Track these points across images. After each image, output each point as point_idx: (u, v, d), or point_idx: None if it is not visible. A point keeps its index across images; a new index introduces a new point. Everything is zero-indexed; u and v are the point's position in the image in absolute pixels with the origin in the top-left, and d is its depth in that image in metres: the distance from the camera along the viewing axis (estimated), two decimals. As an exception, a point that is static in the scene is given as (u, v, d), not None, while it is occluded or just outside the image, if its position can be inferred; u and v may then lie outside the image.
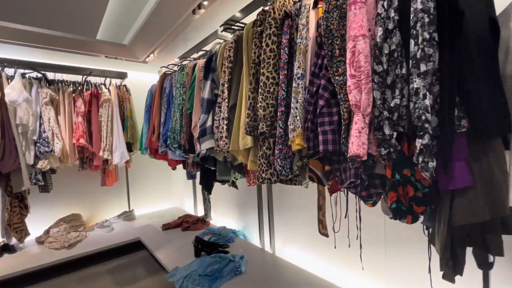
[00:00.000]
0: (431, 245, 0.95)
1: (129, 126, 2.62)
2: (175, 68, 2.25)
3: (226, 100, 1.34)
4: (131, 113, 2.68)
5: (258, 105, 1.08)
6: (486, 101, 0.72)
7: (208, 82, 1.46)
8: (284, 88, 1.02)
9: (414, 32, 0.70)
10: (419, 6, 0.69)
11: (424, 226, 0.98)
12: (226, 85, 1.34)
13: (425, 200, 0.82)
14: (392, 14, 0.75)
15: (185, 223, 2.53)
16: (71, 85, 2.47)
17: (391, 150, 0.75)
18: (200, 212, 2.89)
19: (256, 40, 1.16)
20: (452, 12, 0.68)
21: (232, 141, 1.27)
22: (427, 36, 0.67)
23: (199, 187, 3.04)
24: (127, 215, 2.87)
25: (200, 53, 1.88)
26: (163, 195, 3.46)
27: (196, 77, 1.74)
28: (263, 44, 1.09)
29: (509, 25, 0.77)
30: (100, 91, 2.51)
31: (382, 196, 1.01)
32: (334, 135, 0.87)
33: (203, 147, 1.43)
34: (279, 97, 1.03)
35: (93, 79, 2.64)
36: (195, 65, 1.85)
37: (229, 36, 1.83)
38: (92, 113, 2.45)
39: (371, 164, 0.84)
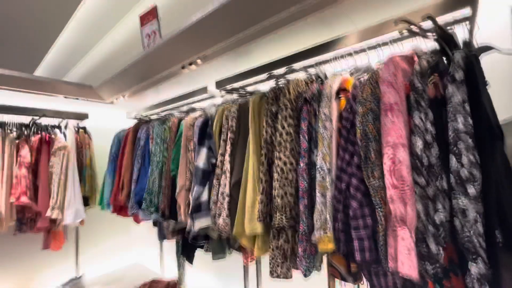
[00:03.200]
0: None
1: (87, 177, 2.24)
2: (152, 115, 2.05)
3: (228, 174, 1.21)
4: (91, 161, 2.32)
5: (275, 192, 0.98)
6: (515, 215, 0.75)
7: (205, 150, 1.32)
8: (306, 179, 0.95)
9: (456, 150, 0.70)
10: (461, 127, 0.70)
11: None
12: (227, 158, 1.22)
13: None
14: (429, 126, 0.76)
15: (152, 292, 2.16)
16: (15, 129, 2.04)
17: (437, 265, 0.72)
18: (167, 271, 2.53)
19: (268, 119, 1.09)
20: (492, 135, 0.70)
21: (236, 222, 1.13)
22: (473, 159, 0.68)
23: (166, 242, 2.69)
24: (74, 284, 2.35)
25: (185, 107, 1.74)
26: (120, 248, 2.98)
27: (182, 135, 1.58)
28: (279, 126, 1.03)
29: (513, 134, 0.85)
30: (53, 136, 2.12)
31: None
32: (370, 240, 0.81)
33: (197, 225, 1.24)
34: (300, 189, 0.95)
35: (44, 120, 2.23)
36: (180, 120, 1.70)
37: (219, 93, 1.75)
38: (40, 163, 2.03)
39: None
